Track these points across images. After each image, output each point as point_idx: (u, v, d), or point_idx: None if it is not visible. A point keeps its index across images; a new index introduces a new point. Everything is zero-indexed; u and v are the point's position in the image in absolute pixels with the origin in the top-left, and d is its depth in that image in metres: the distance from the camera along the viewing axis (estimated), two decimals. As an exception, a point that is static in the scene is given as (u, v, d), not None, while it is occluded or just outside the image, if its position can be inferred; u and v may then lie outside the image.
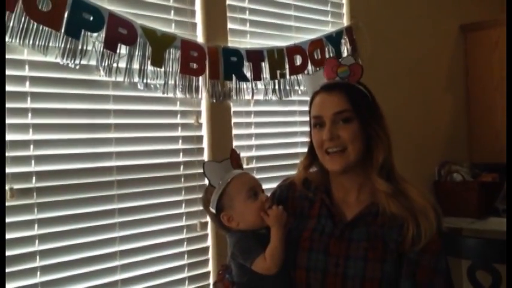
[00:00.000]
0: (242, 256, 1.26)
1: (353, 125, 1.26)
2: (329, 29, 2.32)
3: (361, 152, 1.28)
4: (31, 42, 1.43)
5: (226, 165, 1.32)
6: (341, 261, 1.25)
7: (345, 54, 2.34)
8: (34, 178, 1.47)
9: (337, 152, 1.27)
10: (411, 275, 1.22)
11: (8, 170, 1.41)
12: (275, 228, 1.25)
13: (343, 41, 2.32)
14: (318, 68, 2.08)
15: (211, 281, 1.87)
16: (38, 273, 1.48)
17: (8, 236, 1.41)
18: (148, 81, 1.70)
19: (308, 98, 2.02)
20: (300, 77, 2.13)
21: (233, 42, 1.98)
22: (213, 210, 1.30)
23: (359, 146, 1.27)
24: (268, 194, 1.45)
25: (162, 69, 1.73)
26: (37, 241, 1.48)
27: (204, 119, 1.91)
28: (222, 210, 1.29)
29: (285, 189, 1.44)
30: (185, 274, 1.82)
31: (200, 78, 1.84)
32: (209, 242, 1.90)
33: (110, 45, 1.59)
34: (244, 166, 1.94)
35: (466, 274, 1.96)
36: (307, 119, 2.21)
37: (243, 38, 2.03)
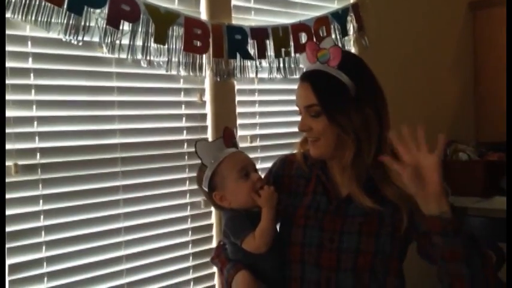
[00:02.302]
0: (233, 235, 1.28)
1: (322, 120, 1.24)
2: (335, 6, 2.29)
3: (333, 144, 1.26)
4: (33, 18, 1.43)
5: (219, 144, 1.32)
6: (336, 236, 1.26)
7: (351, 32, 2.31)
8: (38, 154, 1.48)
9: (313, 141, 1.28)
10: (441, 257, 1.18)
11: (12, 146, 1.42)
12: (266, 208, 1.26)
13: (349, 18, 2.29)
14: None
15: (215, 257, 1.89)
16: (44, 247, 1.50)
17: (14, 211, 1.43)
18: (152, 58, 1.70)
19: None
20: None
21: (237, 19, 1.96)
22: (206, 189, 1.32)
23: (330, 138, 1.25)
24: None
25: (166, 47, 1.72)
26: (42, 216, 1.49)
27: (207, 97, 1.90)
28: (215, 189, 1.31)
29: (281, 166, 1.44)
30: (189, 250, 1.84)
31: (204, 56, 1.83)
32: (213, 219, 1.91)
33: (113, 21, 1.58)
34: (248, 144, 1.97)
35: (470, 252, 1.96)
36: (311, 97, 2.21)
37: (247, 15, 2.01)
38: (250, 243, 1.25)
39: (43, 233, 1.49)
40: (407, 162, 1.14)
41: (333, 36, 2.21)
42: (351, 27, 2.30)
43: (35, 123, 1.48)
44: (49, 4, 1.45)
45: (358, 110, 1.23)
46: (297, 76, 2.09)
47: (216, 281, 1.90)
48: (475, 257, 1.14)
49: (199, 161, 1.82)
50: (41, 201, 1.49)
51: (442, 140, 1.16)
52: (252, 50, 1.95)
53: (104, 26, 1.57)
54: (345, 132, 1.23)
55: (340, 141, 1.24)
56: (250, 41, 1.94)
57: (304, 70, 1.31)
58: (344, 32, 2.26)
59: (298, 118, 2.15)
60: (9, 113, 1.41)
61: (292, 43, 2.06)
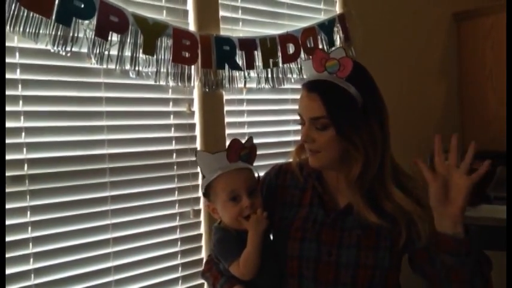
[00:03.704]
0: (220, 257, 1.28)
1: (328, 133, 1.20)
2: (321, 17, 2.32)
3: (336, 158, 1.23)
4: (21, 29, 1.43)
5: (219, 158, 1.27)
6: (334, 250, 1.23)
7: (337, 42, 2.34)
8: (26, 165, 1.48)
9: (313, 152, 1.24)
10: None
11: (0, 157, 1.41)
12: (252, 233, 1.22)
13: (335, 29, 2.32)
14: (310, 57, 2.07)
15: (204, 267, 1.88)
16: (31, 260, 1.48)
17: (1, 223, 1.42)
18: (140, 69, 1.70)
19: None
20: (292, 65, 2.13)
21: (225, 30, 1.97)
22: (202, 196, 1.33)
23: (333, 152, 1.22)
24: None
25: (154, 58, 1.72)
26: (30, 228, 1.48)
27: (196, 107, 1.91)
28: (209, 200, 1.31)
29: (275, 176, 1.42)
30: (178, 261, 1.83)
31: (192, 66, 1.83)
32: (202, 230, 1.91)
33: (101, 33, 1.58)
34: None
35: (457, 260, 1.98)
36: (299, 107, 2.22)
37: (235, 26, 2.02)
38: (235, 270, 1.24)
39: (31, 244, 1.48)
40: (440, 171, 1.12)
41: (320, 46, 2.23)
42: (337, 38, 2.32)
43: (23, 134, 1.48)
44: (37, 15, 1.45)
45: (365, 124, 1.20)
46: (285, 86, 2.12)
47: (205, 291, 1.90)
48: (478, 279, 1.14)
49: (188, 171, 1.86)
50: (28, 212, 1.48)
51: (471, 153, 1.13)
52: (240, 60, 1.96)
53: (93, 37, 1.57)
54: (354, 146, 1.19)
55: (344, 154, 1.22)
56: (238, 51, 1.95)
57: (309, 79, 1.25)
58: (331, 43, 2.28)
59: (286, 128, 2.18)
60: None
61: (280, 54, 2.08)
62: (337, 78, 1.20)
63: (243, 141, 1.31)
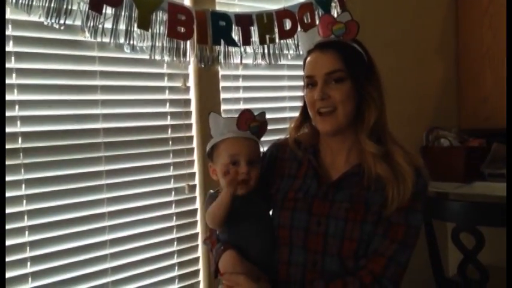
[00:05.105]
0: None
1: (345, 85, 1.26)
2: (319, -8, 2.29)
3: (352, 113, 1.29)
4: (14, 0, 1.41)
5: (230, 123, 1.33)
6: (323, 220, 1.28)
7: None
8: (20, 138, 1.47)
9: (328, 112, 1.28)
10: (383, 232, 1.26)
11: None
12: (224, 191, 1.27)
13: (333, 4, 2.29)
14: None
15: (199, 242, 1.90)
16: (26, 232, 1.49)
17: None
18: (135, 43, 1.68)
19: (298, 62, 2.00)
20: (289, 41, 2.11)
21: (221, 4, 1.95)
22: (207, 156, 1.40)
23: (349, 107, 1.28)
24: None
25: (149, 32, 1.70)
26: (25, 201, 1.49)
27: (191, 82, 1.90)
28: (212, 160, 1.37)
29: (275, 150, 1.48)
30: (174, 235, 1.84)
31: (188, 42, 1.82)
32: (197, 205, 1.92)
33: (95, 6, 1.56)
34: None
35: (451, 236, 2.00)
36: (295, 83, 2.22)
37: (231, 0, 2.00)
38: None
39: (26, 217, 1.49)
40: None
41: (317, 22, 2.20)
42: (334, 13, 2.30)
43: (17, 107, 1.47)
44: (30, -14, 1.43)
45: (374, 77, 1.31)
46: (281, 62, 2.10)
47: (200, 265, 1.92)
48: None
49: (183, 147, 1.86)
50: (23, 185, 1.48)
51: None
52: (236, 36, 1.94)
53: (86, 10, 1.55)
54: (370, 96, 1.27)
55: (357, 110, 1.29)
56: (234, 27, 1.93)
57: (315, 43, 1.32)
58: (328, 19, 2.26)
59: (282, 104, 2.18)
60: (-10, 97, 1.39)
61: (276, 29, 2.06)
62: (344, 40, 1.29)
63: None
